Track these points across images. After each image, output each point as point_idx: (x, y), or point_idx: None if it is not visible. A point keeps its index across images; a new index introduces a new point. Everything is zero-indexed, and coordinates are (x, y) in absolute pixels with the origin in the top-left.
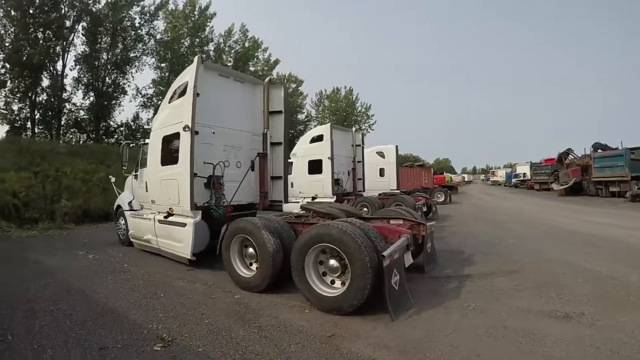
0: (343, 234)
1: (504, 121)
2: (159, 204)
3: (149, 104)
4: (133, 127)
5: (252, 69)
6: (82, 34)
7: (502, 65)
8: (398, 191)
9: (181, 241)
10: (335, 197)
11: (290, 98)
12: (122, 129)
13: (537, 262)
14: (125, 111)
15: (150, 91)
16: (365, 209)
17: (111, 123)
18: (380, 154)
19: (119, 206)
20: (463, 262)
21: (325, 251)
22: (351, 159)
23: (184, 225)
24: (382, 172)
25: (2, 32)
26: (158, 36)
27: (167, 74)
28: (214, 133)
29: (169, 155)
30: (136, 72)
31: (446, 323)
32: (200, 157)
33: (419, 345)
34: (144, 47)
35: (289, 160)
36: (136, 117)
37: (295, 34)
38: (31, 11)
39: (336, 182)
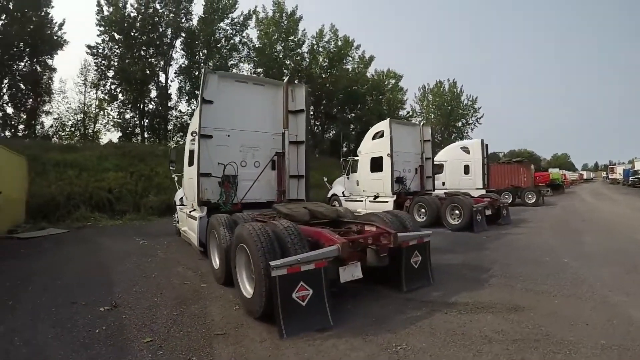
0: (249, 236)
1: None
2: (188, 200)
3: None
4: None
5: (348, 67)
6: (180, 48)
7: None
8: (463, 191)
9: (194, 233)
10: (395, 196)
11: (390, 94)
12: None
13: (564, 297)
14: None
15: None
16: (343, 210)
17: None
18: (465, 150)
19: (175, 201)
20: (469, 284)
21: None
22: (419, 155)
23: (195, 219)
24: (467, 170)
25: (109, 53)
26: (252, 44)
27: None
28: (228, 135)
29: (191, 158)
30: None
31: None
32: (215, 159)
33: None
34: (239, 55)
35: (355, 158)
36: None
37: (389, 28)
38: (133, 33)
39: (398, 180)
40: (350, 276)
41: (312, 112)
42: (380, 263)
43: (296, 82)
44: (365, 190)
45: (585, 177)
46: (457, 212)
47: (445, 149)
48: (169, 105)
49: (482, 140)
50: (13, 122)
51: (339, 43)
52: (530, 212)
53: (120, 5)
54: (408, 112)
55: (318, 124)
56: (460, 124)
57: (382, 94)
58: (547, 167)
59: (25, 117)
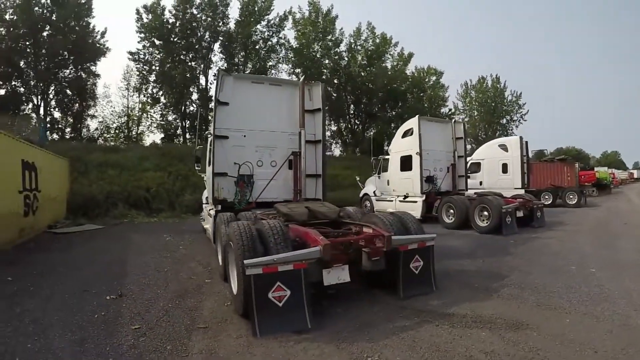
0: (233, 234)
1: None
2: (209, 199)
3: None
4: None
5: (387, 65)
6: (218, 51)
7: None
8: (494, 191)
9: (210, 230)
10: (424, 196)
11: (431, 92)
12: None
13: (578, 315)
14: None
15: None
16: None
17: None
18: (503, 147)
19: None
20: (476, 294)
21: None
22: (451, 153)
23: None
24: (505, 169)
25: (150, 58)
26: (289, 45)
27: (302, 78)
28: (244, 136)
29: (209, 159)
30: None
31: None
32: (231, 159)
33: None
34: (277, 56)
35: (386, 157)
36: None
37: (426, 23)
38: (173, 38)
39: (429, 179)
40: (336, 279)
41: (352, 111)
42: (375, 267)
43: (312, 81)
44: (395, 190)
45: (636, 175)
46: (485, 213)
47: (482, 146)
48: (210, 107)
49: (521, 137)
50: (60, 126)
51: (377, 41)
52: (570, 214)
53: (158, 12)
54: (450, 110)
55: (358, 122)
56: (504, 120)
57: (423, 91)
58: (595, 165)
59: (71, 120)
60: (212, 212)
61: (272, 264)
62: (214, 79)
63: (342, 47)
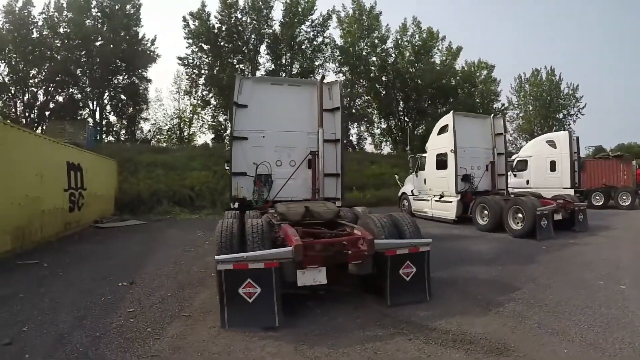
0: (216, 231)
1: None
2: None
3: None
4: None
5: (436, 60)
6: (265, 53)
7: None
8: (532, 191)
9: None
10: (459, 195)
11: (483, 86)
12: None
13: (582, 345)
14: None
15: None
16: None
17: None
18: (551, 144)
19: None
20: (473, 307)
21: None
22: (490, 150)
23: None
24: (553, 166)
25: (199, 62)
26: (333, 43)
27: (350, 76)
28: (263, 137)
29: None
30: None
31: None
32: (250, 159)
33: None
34: (323, 55)
35: (423, 155)
36: None
37: (474, 14)
38: (220, 42)
39: (465, 178)
40: (312, 281)
41: (401, 109)
42: (361, 271)
43: (331, 79)
44: (432, 189)
45: None
46: (520, 215)
47: (529, 142)
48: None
49: (570, 132)
50: (116, 129)
51: (424, 36)
52: (619, 217)
53: (204, 18)
54: (503, 105)
55: (408, 120)
56: (561, 115)
57: (474, 86)
58: None
59: (126, 123)
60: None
61: (243, 261)
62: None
63: (389, 44)
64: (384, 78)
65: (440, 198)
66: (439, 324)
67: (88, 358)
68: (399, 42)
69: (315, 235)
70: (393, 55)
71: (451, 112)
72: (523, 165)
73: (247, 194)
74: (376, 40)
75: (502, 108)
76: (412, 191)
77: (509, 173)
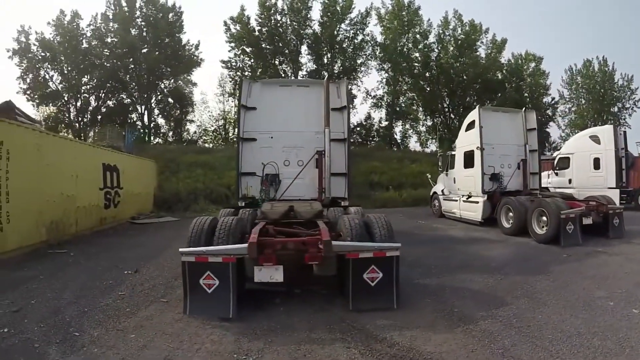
0: (189, 226)
1: None
2: None
3: (380, 104)
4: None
5: (481, 54)
6: (306, 54)
7: None
8: (560, 191)
9: None
10: (485, 196)
11: (531, 79)
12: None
13: None
14: (359, 113)
15: (380, 92)
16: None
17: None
18: (595, 139)
19: None
20: (440, 321)
21: None
22: (522, 147)
23: None
24: (597, 164)
25: (242, 65)
26: (373, 41)
27: (392, 72)
28: (271, 137)
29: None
30: (363, 76)
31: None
32: (259, 159)
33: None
34: (364, 53)
35: (453, 153)
36: (368, 117)
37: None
38: (261, 44)
39: (494, 177)
40: (268, 278)
41: (446, 105)
42: (323, 272)
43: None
44: (460, 189)
45: None
46: (544, 218)
47: (572, 138)
48: None
49: (615, 126)
50: (163, 131)
51: (466, 29)
52: None
53: (244, 21)
54: (553, 99)
55: (454, 116)
56: (615, 109)
57: (522, 80)
58: None
59: (172, 125)
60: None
61: (203, 254)
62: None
63: (431, 39)
64: (427, 74)
65: (467, 198)
66: (391, 335)
67: (69, 326)
68: (441, 36)
69: (289, 234)
70: (436, 50)
71: (477, 106)
72: (565, 163)
73: (256, 193)
74: (418, 36)
75: (553, 102)
76: (442, 191)
77: (550, 172)
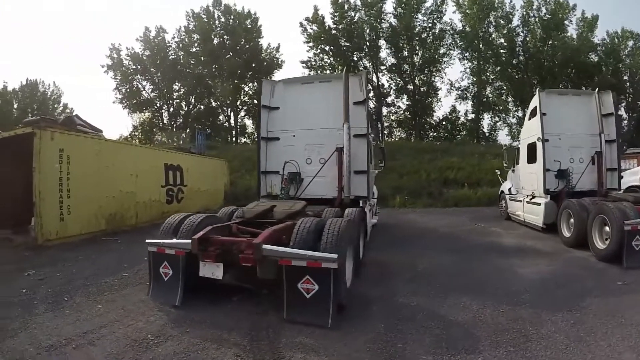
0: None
1: None
2: None
3: (465, 95)
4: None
5: (572, 35)
6: (385, 48)
7: None
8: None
9: None
10: (548, 197)
11: (631, 59)
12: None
13: None
14: (443, 106)
15: (465, 82)
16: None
17: (429, 120)
18: None
19: None
20: (378, 357)
21: None
22: (596, 137)
23: None
24: None
25: (322, 63)
26: (452, 29)
27: (477, 62)
28: (294, 136)
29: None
30: (445, 67)
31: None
32: (282, 158)
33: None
34: (445, 43)
35: (518, 146)
36: (453, 111)
37: None
38: (339, 42)
39: (560, 174)
40: (210, 274)
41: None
42: (262, 275)
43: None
44: (524, 187)
45: None
46: (607, 229)
47: None
48: (387, 101)
49: None
50: (251, 131)
51: (551, 7)
52: None
53: (320, 21)
54: None
55: None
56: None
57: (619, 62)
58: None
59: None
60: None
61: (161, 246)
62: (387, 72)
63: (515, 22)
64: (514, 61)
65: (531, 199)
66: (297, 358)
67: (66, 293)
68: (526, 18)
69: (253, 234)
70: (521, 34)
71: (537, 90)
72: None
73: (279, 192)
74: (501, 20)
75: None
76: (509, 190)
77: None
